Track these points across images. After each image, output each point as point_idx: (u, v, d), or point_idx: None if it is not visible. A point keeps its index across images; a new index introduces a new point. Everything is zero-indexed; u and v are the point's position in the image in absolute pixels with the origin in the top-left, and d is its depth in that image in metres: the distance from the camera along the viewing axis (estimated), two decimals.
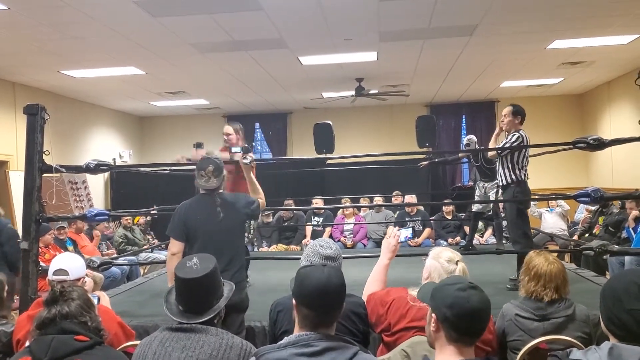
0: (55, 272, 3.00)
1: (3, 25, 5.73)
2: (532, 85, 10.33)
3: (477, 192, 6.92)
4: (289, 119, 12.65)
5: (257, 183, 3.98)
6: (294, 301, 1.96)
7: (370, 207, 8.51)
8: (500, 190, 5.30)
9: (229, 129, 5.07)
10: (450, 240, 8.06)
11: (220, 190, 3.59)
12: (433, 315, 1.81)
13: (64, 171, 4.42)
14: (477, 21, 6.22)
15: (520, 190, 4.87)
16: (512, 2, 5.61)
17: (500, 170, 4.97)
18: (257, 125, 12.78)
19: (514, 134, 4.86)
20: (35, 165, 4.16)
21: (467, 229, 7.56)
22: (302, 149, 12.13)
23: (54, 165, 4.21)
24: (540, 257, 3.03)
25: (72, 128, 9.93)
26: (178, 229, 3.51)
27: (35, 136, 4.15)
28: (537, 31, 6.69)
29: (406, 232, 7.59)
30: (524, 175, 4.89)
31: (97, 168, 4.39)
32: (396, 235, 3.03)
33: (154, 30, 5.99)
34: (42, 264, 4.36)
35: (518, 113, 4.95)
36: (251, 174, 3.95)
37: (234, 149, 4.26)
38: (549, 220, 8.11)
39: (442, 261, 2.56)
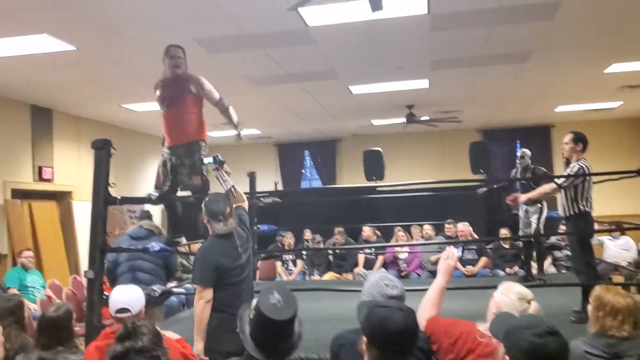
0: (118, 311, 3.07)
1: (71, 64, 6.05)
2: (590, 109, 10.08)
3: (520, 214, 6.61)
4: (338, 146, 12.73)
5: (238, 190, 3.98)
6: (364, 339, 1.95)
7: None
8: (560, 220, 5.16)
9: (178, 51, 4.41)
10: (508, 270, 7.82)
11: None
12: (506, 357, 1.77)
13: (128, 203, 4.57)
14: (531, 47, 6.16)
15: (584, 222, 4.72)
16: (567, 27, 5.54)
17: (563, 201, 4.83)
18: (306, 152, 12.92)
19: (574, 165, 4.72)
20: (101, 197, 4.32)
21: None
22: (351, 175, 12.15)
23: (118, 197, 4.38)
24: (612, 291, 2.91)
25: (132, 159, 10.29)
26: (209, 276, 3.43)
27: (101, 169, 4.32)
28: (594, 55, 6.56)
29: (458, 252, 7.45)
30: (588, 207, 4.74)
31: (158, 199, 4.53)
32: (454, 256, 2.88)
33: (210, 65, 6.19)
34: (104, 292, 4.49)
35: (579, 140, 4.78)
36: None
37: (206, 160, 4.20)
38: (612, 249, 7.81)
39: (513, 297, 2.45)
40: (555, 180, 4.82)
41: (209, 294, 3.40)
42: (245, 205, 3.96)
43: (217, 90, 4.48)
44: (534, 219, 6.25)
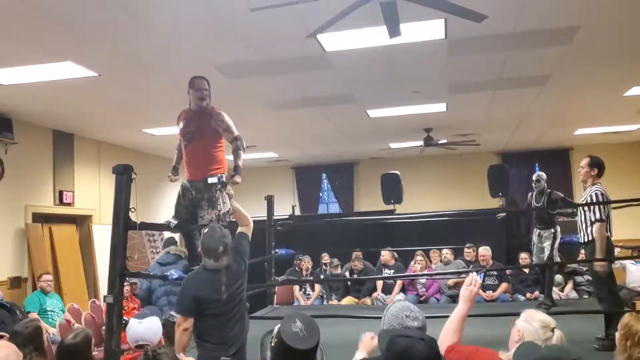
0: (138, 346, 3.09)
1: (93, 90, 6.16)
2: (609, 132, 9.98)
3: (533, 239, 6.53)
4: (356, 169, 12.73)
5: (241, 210, 3.91)
6: None
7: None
8: (581, 245, 5.06)
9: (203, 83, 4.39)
10: (528, 294, 7.70)
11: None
12: None
13: (147, 229, 4.60)
14: (549, 71, 6.14)
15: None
16: (587, 51, 5.52)
17: (582, 226, 4.77)
18: (324, 175, 12.93)
19: (592, 191, 4.67)
20: (121, 222, 4.34)
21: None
22: (368, 199, 12.11)
23: (138, 222, 4.40)
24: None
25: (150, 182, 10.37)
26: (187, 306, 3.46)
27: (122, 195, 4.35)
28: (613, 79, 6.52)
29: (481, 278, 7.35)
30: (610, 232, 4.66)
31: (176, 227, 4.54)
32: (477, 283, 2.80)
33: (229, 90, 6.26)
34: (124, 317, 4.51)
35: (595, 165, 4.76)
36: (234, 201, 3.94)
37: (210, 179, 4.14)
38: (635, 273, 7.63)
39: (536, 326, 2.42)
40: (593, 217, 4.63)
41: (187, 323, 3.42)
42: (249, 229, 3.90)
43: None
44: (547, 244, 6.19)
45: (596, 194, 4.63)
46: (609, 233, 4.66)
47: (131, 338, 3.11)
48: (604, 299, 4.62)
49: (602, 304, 4.63)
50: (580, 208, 4.79)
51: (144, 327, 3.15)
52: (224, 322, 3.49)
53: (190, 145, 4.38)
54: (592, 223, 4.61)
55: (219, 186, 4.08)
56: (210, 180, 4.13)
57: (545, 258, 6.25)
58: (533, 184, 6.35)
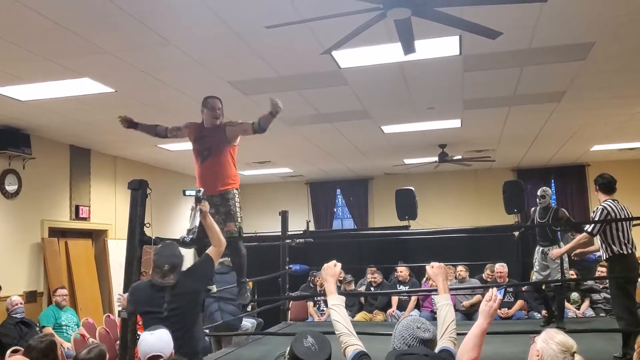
0: (150, 358, 3.08)
1: (109, 106, 6.24)
2: (625, 148, 9.89)
3: (535, 256, 6.31)
4: (370, 185, 12.72)
5: (216, 227, 3.83)
6: None
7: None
8: (598, 262, 5.02)
9: (217, 102, 4.54)
10: (544, 312, 7.60)
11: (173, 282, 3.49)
12: None
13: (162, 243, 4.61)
14: (565, 87, 6.12)
15: (620, 266, 4.61)
16: (601, 67, 5.49)
17: (602, 244, 4.73)
18: (338, 191, 12.93)
19: (598, 208, 4.71)
20: (136, 237, 4.38)
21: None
22: (383, 214, 12.07)
23: (153, 237, 4.42)
24: None
25: (165, 197, 10.44)
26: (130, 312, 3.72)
27: (137, 210, 4.39)
28: (629, 94, 6.47)
29: (501, 294, 7.28)
30: (625, 249, 4.60)
31: (191, 242, 4.55)
32: (498, 298, 2.77)
33: (244, 107, 6.29)
34: (138, 331, 4.51)
35: (596, 183, 4.89)
36: (209, 218, 3.81)
37: (188, 192, 4.11)
38: None
39: (556, 349, 2.37)
40: (588, 229, 4.74)
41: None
42: (218, 251, 3.80)
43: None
44: (552, 264, 5.99)
45: (598, 208, 4.72)
46: (628, 250, 4.61)
47: (143, 350, 3.10)
48: (622, 318, 4.54)
49: (620, 322, 4.55)
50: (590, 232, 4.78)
51: (155, 338, 3.14)
52: None
53: (206, 161, 4.46)
54: (604, 240, 4.62)
55: (195, 202, 3.94)
56: (188, 192, 4.11)
57: (550, 277, 6.04)
58: (538, 200, 6.22)
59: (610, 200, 4.70)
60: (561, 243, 6.11)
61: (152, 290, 3.53)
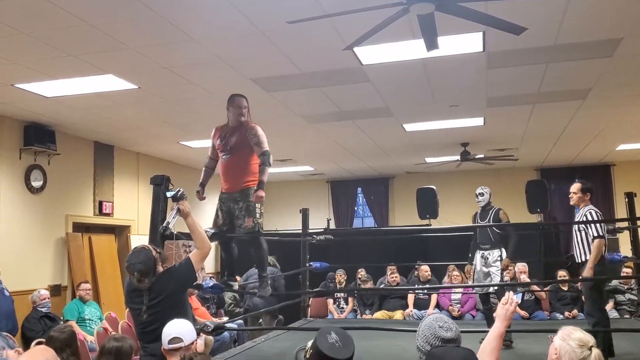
0: (171, 341, 3.09)
1: (133, 102, 6.31)
2: None
3: (474, 262, 5.70)
4: (391, 183, 12.66)
5: (199, 229, 3.74)
6: None
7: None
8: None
9: (242, 101, 4.66)
10: (567, 313, 7.49)
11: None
12: None
13: (184, 238, 4.66)
14: (590, 85, 6.02)
15: (598, 267, 4.67)
16: (628, 64, 5.39)
17: (579, 247, 4.83)
18: (359, 189, 12.90)
19: (590, 212, 4.77)
20: (158, 232, 4.41)
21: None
22: (403, 213, 12.01)
23: (175, 232, 4.45)
24: None
25: (187, 193, 10.52)
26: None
27: (159, 205, 4.43)
28: None
29: (518, 298, 7.22)
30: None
31: (213, 237, 4.60)
32: (514, 302, 2.77)
33: (266, 103, 6.32)
34: None
35: (588, 190, 4.96)
36: (190, 219, 3.76)
37: (168, 194, 4.05)
38: None
39: (573, 344, 2.35)
40: (593, 233, 4.71)
41: None
42: (201, 254, 3.72)
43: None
44: (493, 270, 5.51)
45: (591, 212, 4.78)
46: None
47: (164, 336, 3.12)
48: (591, 315, 4.71)
49: (589, 319, 4.73)
50: (576, 228, 4.84)
51: (177, 325, 3.17)
52: (144, 333, 3.51)
53: (228, 158, 4.54)
54: (593, 239, 4.67)
55: (175, 202, 3.91)
56: (169, 194, 4.02)
57: (492, 283, 5.46)
58: (478, 199, 5.79)
59: (591, 205, 4.88)
60: (503, 249, 5.57)
61: (133, 291, 3.56)
